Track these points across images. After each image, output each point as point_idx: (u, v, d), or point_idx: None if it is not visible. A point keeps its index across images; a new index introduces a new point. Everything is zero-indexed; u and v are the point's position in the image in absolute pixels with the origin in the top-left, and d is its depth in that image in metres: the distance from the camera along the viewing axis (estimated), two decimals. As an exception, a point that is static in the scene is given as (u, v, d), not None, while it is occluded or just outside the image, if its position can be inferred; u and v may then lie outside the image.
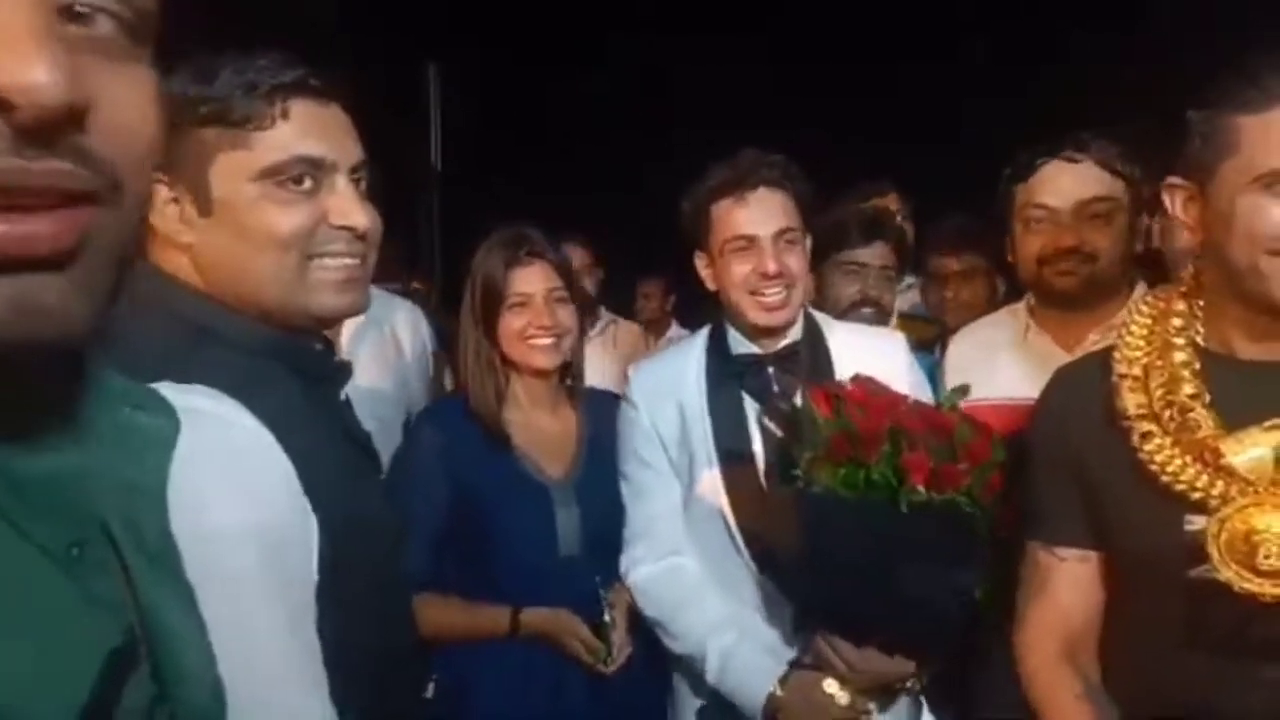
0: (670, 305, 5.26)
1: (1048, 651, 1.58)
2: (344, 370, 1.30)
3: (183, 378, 0.78)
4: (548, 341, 2.10)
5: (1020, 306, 2.22)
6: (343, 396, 1.32)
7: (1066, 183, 2.02)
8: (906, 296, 3.37)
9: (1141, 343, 1.49)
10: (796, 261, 2.01)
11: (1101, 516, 1.54)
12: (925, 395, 2.03)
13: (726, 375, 2.05)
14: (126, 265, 0.57)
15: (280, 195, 1.13)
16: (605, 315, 4.34)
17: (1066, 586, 1.59)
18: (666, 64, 5.24)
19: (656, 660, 2.14)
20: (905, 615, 1.78)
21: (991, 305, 2.72)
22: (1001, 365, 2.14)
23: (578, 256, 3.76)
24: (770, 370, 2.03)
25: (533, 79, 5.27)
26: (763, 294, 1.98)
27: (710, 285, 2.08)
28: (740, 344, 2.07)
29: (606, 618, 2.06)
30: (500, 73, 5.26)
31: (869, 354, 2.03)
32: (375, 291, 2.69)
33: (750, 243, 1.97)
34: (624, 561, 2.14)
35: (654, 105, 5.12)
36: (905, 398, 1.84)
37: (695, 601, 2.06)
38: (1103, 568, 1.59)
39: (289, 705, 0.76)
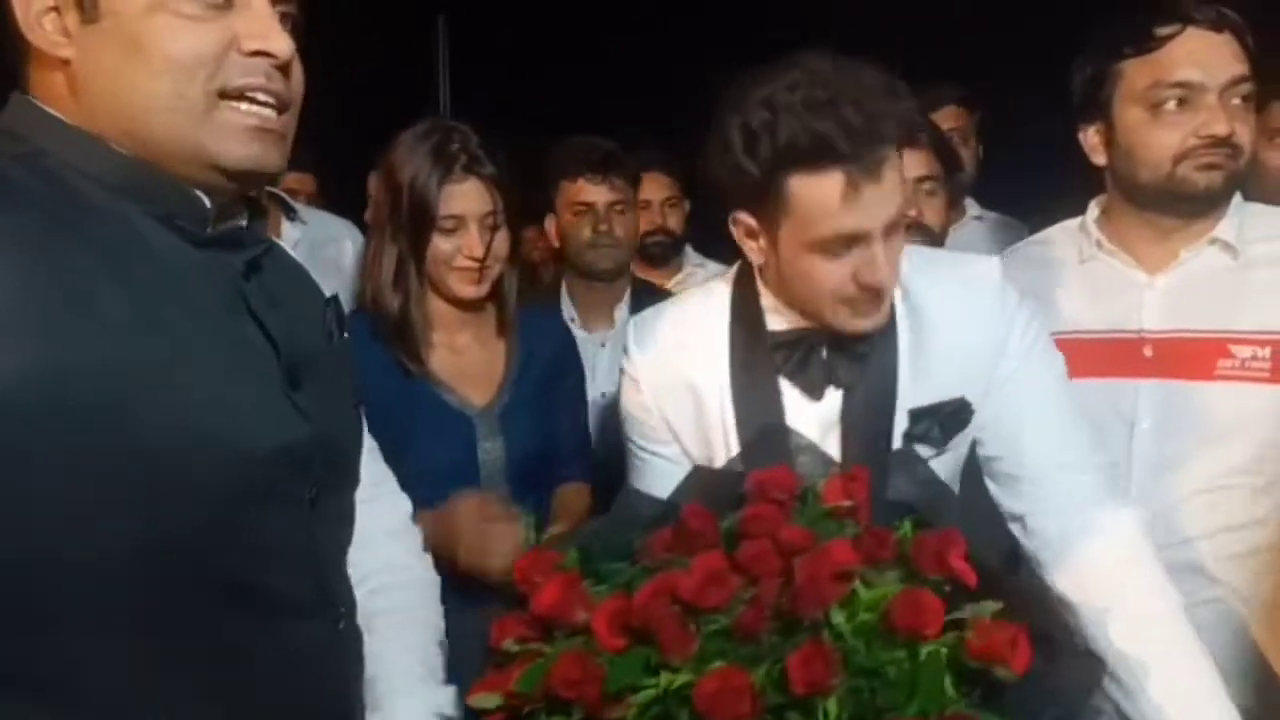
0: None
1: None
2: (245, 235, 1.05)
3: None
4: (475, 267, 1.84)
5: (1086, 220, 1.78)
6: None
7: (1214, 56, 1.61)
8: (968, 229, 2.83)
9: None
10: (902, 255, 1.36)
11: None
12: (1043, 353, 1.43)
13: (758, 356, 1.42)
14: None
15: (179, 6, 0.95)
16: (692, 258, 3.08)
17: None
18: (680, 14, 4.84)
19: None
20: None
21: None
22: (1060, 291, 1.75)
23: (659, 186, 2.90)
24: (823, 352, 1.39)
25: (542, 32, 4.85)
26: (859, 303, 1.34)
27: (754, 258, 1.40)
28: (779, 317, 1.42)
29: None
30: (510, 25, 4.90)
31: (956, 314, 1.39)
32: (317, 214, 2.61)
33: (854, 241, 1.29)
34: None
35: (667, 57, 4.69)
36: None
37: None
38: None
39: None
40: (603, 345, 2.40)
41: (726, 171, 1.31)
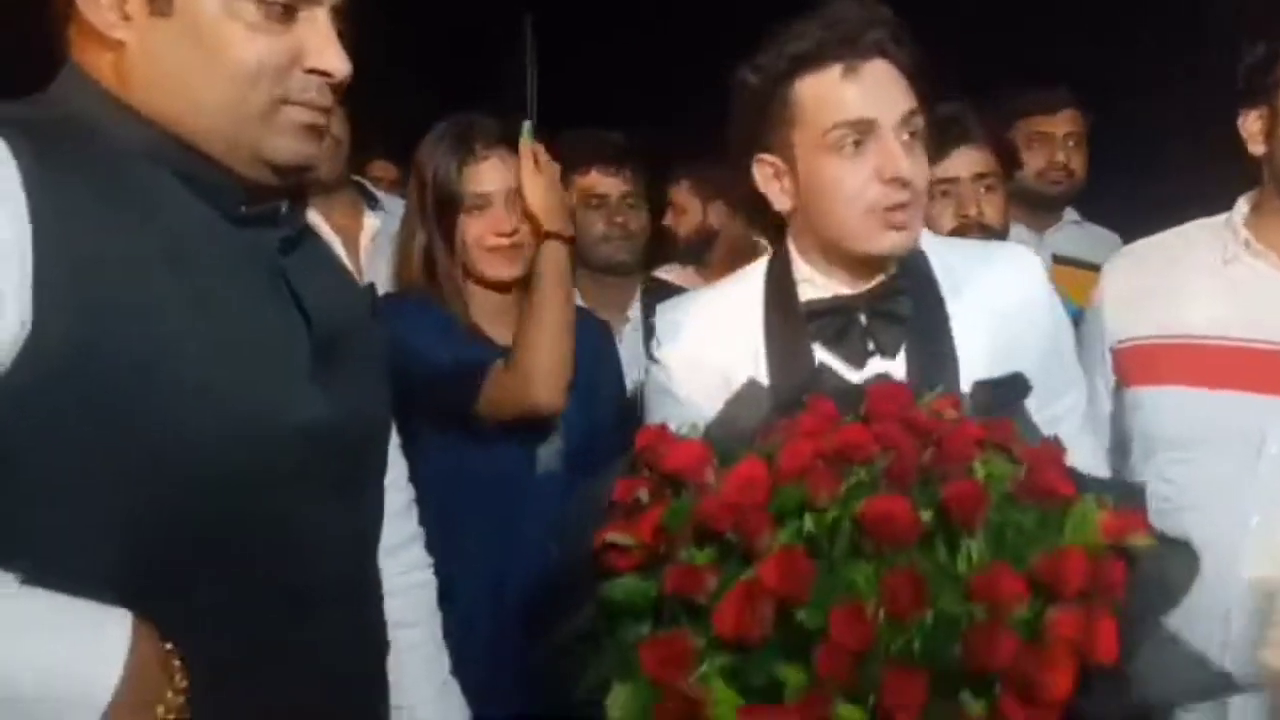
0: None
1: None
2: (281, 214, 1.06)
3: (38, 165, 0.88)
4: (506, 245, 1.85)
5: (1233, 217, 1.64)
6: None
7: None
8: (1065, 233, 2.76)
9: None
10: (924, 161, 1.37)
11: None
12: (1066, 348, 1.47)
13: (794, 331, 1.39)
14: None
15: (252, 15, 0.98)
16: None
17: None
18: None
19: None
20: None
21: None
22: (1195, 293, 1.59)
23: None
24: (861, 318, 1.38)
25: (630, 32, 4.86)
26: (889, 209, 1.32)
27: (782, 203, 1.40)
28: (813, 284, 1.41)
29: None
30: (597, 25, 4.90)
31: (995, 285, 1.40)
32: (400, 203, 2.42)
33: (866, 131, 1.32)
34: None
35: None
36: None
37: None
38: None
39: None
40: (619, 341, 2.30)
41: (741, 104, 1.39)
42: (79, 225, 0.88)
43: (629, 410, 2.02)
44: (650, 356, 1.51)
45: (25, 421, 0.84)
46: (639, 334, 2.31)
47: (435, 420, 1.76)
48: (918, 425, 1.01)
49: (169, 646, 0.86)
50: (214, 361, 0.93)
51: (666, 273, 2.79)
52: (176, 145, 0.98)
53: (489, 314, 1.89)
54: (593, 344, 1.97)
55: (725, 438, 1.08)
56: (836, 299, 1.39)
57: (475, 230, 1.85)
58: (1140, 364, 1.53)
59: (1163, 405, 1.50)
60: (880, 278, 1.38)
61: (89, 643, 0.82)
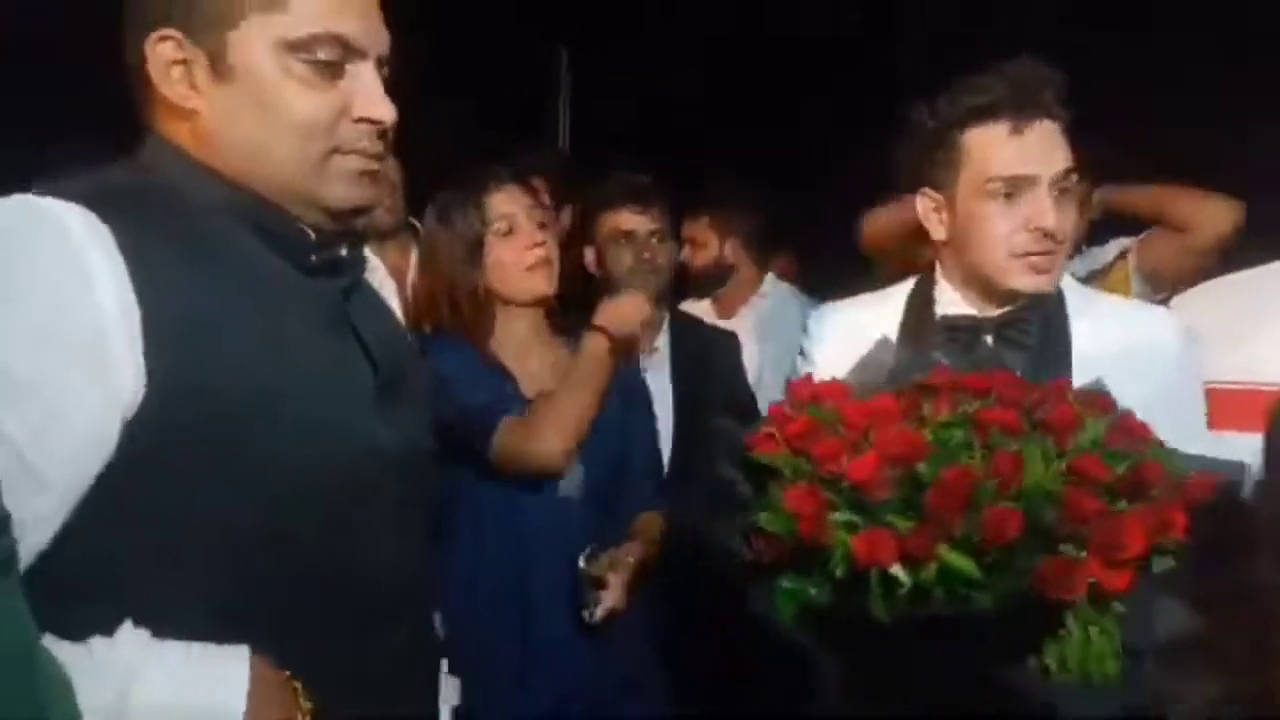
0: None
1: None
2: (345, 263, 1.15)
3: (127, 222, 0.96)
4: (542, 256, 1.98)
5: None
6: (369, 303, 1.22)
7: None
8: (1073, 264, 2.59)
9: None
10: (1072, 217, 1.56)
11: None
12: (1193, 400, 1.56)
13: (926, 342, 1.57)
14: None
15: (303, 74, 1.05)
16: None
17: None
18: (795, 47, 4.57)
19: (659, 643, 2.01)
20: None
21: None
22: (1273, 338, 1.55)
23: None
24: (988, 339, 1.56)
25: (664, 65, 4.83)
26: (1034, 255, 1.51)
27: (938, 233, 1.60)
28: (952, 303, 1.61)
29: (582, 563, 1.90)
30: (632, 58, 4.88)
31: (1125, 329, 1.55)
32: None
33: (1023, 187, 1.51)
34: None
35: (784, 89, 4.48)
36: None
37: None
38: None
39: None
40: (644, 372, 2.41)
41: (912, 142, 1.57)
42: (174, 284, 0.95)
43: (657, 449, 2.23)
44: (800, 353, 1.72)
45: (143, 467, 0.93)
46: (666, 364, 2.48)
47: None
48: (1023, 384, 1.21)
49: (287, 675, 0.95)
50: (299, 398, 1.02)
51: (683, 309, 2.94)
52: (253, 201, 1.07)
53: (513, 346, 2.01)
54: (625, 381, 2.06)
55: (857, 383, 1.28)
56: (969, 317, 1.58)
57: (509, 253, 1.97)
58: (1209, 408, 1.54)
59: (1231, 454, 1.47)
60: (1011, 306, 1.56)
61: (214, 677, 0.92)
